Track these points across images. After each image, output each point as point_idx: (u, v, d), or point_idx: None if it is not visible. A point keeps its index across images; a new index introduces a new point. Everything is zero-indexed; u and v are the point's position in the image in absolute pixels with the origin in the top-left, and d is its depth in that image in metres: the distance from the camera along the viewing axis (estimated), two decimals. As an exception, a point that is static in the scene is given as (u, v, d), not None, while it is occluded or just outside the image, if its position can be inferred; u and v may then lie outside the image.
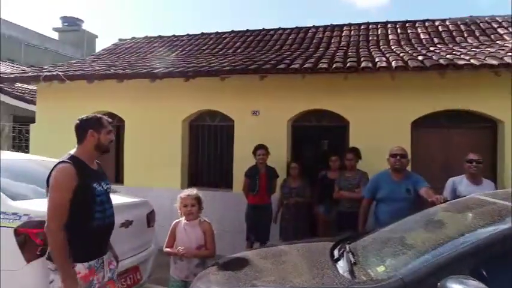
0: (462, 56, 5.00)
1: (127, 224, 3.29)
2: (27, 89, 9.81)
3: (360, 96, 5.32)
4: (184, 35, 9.45)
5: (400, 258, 2.12)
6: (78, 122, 2.39)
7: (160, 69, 5.68)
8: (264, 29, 8.88)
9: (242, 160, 5.60)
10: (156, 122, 6.31)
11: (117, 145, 6.66)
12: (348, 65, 4.86)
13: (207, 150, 6.43)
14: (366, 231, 3.21)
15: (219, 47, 8.15)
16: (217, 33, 9.18)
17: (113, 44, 9.73)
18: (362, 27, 7.97)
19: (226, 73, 5.20)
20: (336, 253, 2.48)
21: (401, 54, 5.38)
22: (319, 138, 6.92)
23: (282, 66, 5.10)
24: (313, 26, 8.48)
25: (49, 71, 6.31)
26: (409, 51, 5.69)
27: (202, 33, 9.32)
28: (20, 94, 9.45)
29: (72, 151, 2.38)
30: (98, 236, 2.39)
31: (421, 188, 3.58)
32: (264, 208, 5.27)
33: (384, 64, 4.73)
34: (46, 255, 2.35)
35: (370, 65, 4.77)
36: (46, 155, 6.39)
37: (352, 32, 7.74)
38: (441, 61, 4.73)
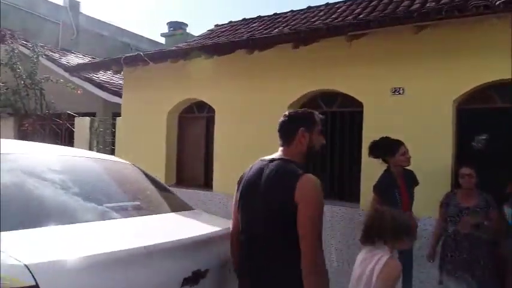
0: None
1: (196, 277, 1.75)
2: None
3: None
4: (288, 12, 7.96)
5: None
6: (285, 118, 1.96)
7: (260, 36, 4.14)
8: (391, -9, 6.81)
9: (374, 163, 3.71)
10: (253, 110, 4.80)
11: (206, 140, 5.39)
12: None
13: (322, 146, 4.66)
14: None
15: (333, 16, 6.37)
16: (327, 4, 7.43)
17: (208, 30, 8.74)
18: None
19: (359, 28, 3.37)
20: None
21: None
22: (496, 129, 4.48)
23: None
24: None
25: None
26: None
27: (309, 7, 7.69)
28: (117, 90, 9.11)
29: (279, 154, 1.89)
30: None
31: None
32: None
33: None
34: None
35: None
36: (131, 150, 5.46)
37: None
38: None
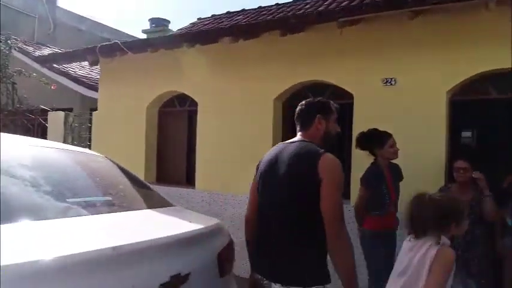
0: None
1: (174, 282, 1.51)
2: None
3: None
4: (273, 5, 7.76)
5: None
6: (302, 106, 2.02)
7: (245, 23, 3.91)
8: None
9: (365, 158, 3.54)
10: (238, 103, 4.58)
11: (189, 136, 5.14)
12: None
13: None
14: None
15: (320, 9, 6.18)
16: (314, -3, 7.25)
17: (190, 24, 8.46)
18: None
19: (351, 13, 3.21)
20: None
21: None
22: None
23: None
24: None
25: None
26: None
27: (295, 0, 7.50)
28: (95, 84, 8.72)
29: (297, 138, 1.94)
30: None
31: None
32: (395, 236, 3.23)
33: None
34: None
35: None
36: (108, 146, 5.13)
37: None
38: None
